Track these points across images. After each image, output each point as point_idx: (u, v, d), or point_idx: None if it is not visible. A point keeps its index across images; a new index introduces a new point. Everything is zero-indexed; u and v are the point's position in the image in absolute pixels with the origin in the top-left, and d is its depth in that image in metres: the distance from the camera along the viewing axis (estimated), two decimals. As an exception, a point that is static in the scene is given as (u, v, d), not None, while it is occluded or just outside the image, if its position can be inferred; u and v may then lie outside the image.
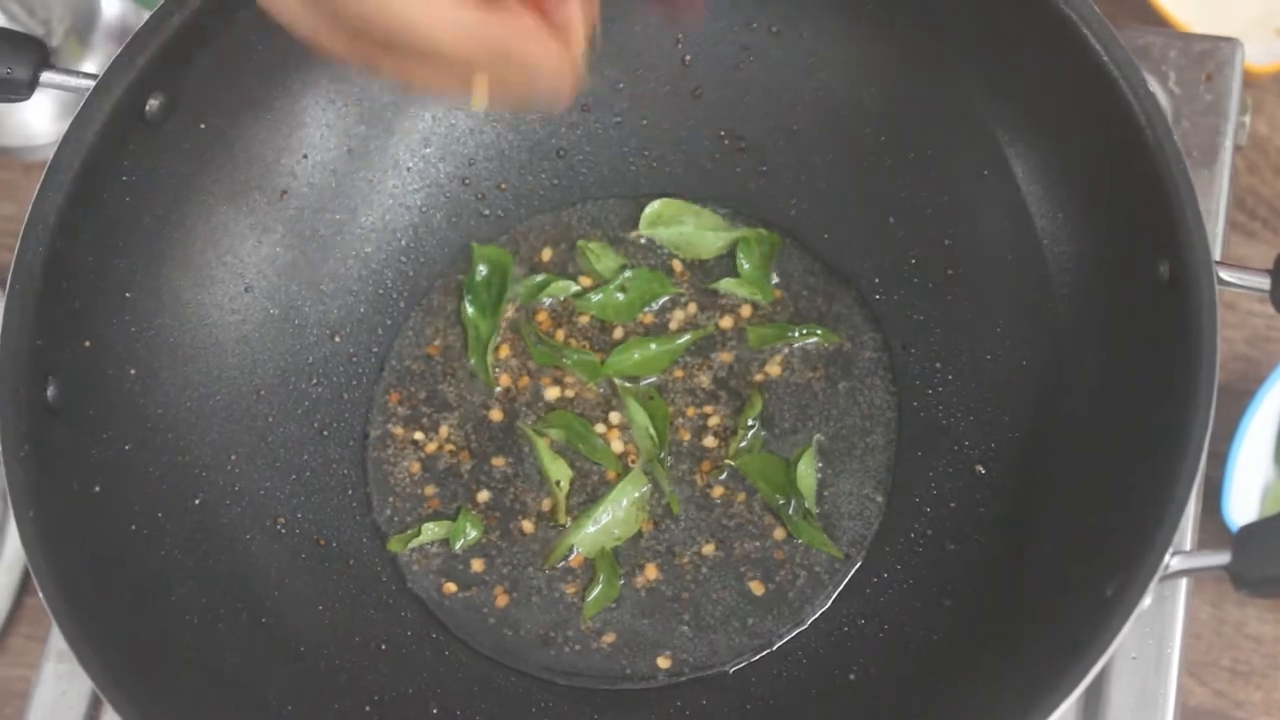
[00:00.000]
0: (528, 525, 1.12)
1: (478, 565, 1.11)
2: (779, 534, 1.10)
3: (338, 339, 1.15)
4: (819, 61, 1.15)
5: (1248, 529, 0.90)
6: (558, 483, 1.12)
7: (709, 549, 1.10)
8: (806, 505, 1.10)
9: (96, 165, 1.03)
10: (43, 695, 1.14)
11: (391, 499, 1.13)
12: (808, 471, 1.11)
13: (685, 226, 1.17)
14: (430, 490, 1.13)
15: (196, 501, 1.08)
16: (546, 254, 1.18)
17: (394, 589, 1.11)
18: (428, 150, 1.18)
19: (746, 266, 1.16)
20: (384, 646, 1.08)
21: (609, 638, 1.09)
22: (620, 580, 1.10)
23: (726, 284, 1.16)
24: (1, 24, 1.33)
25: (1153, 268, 0.97)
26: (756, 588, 1.09)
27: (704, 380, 1.14)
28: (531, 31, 0.77)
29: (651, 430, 1.12)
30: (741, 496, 1.11)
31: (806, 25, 1.14)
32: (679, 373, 1.14)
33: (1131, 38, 1.15)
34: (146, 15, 1.04)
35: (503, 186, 1.19)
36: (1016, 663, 0.97)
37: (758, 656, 1.08)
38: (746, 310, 1.15)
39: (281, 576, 1.09)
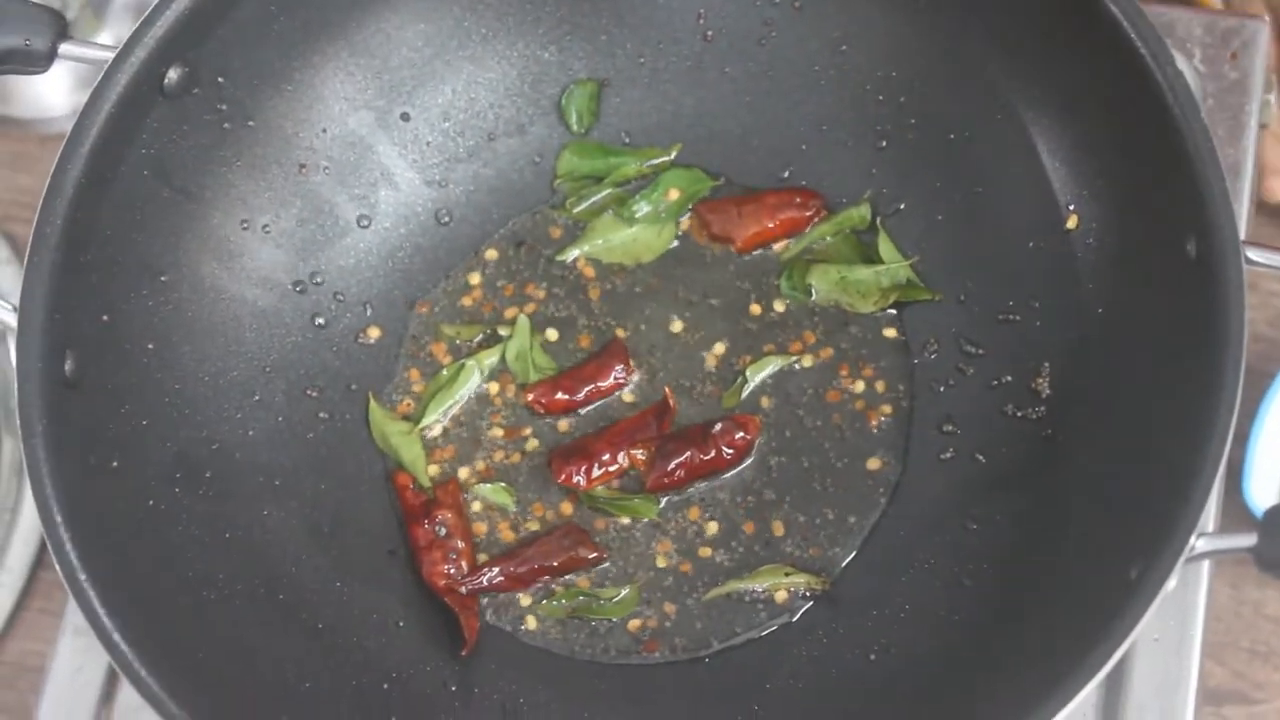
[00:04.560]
0: (548, 512, 1.12)
1: (506, 535, 1.12)
2: (778, 529, 1.10)
3: (356, 314, 1.15)
4: (842, 37, 1.15)
5: (1274, 511, 0.90)
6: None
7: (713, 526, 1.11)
8: (896, 265, 1.13)
9: (114, 138, 1.02)
10: (59, 670, 1.14)
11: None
12: (887, 243, 1.13)
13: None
14: (450, 453, 1.13)
15: (213, 476, 1.07)
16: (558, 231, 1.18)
17: (412, 566, 1.10)
18: (447, 124, 1.17)
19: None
20: (401, 624, 1.08)
21: (633, 620, 1.09)
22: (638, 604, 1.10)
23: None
24: (17, -5, 1.33)
25: (1180, 246, 0.97)
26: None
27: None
28: None
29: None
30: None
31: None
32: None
33: (1156, 15, 1.14)
34: (163, -12, 1.04)
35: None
36: (1038, 646, 0.96)
37: (775, 626, 1.08)
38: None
39: (299, 552, 1.08)
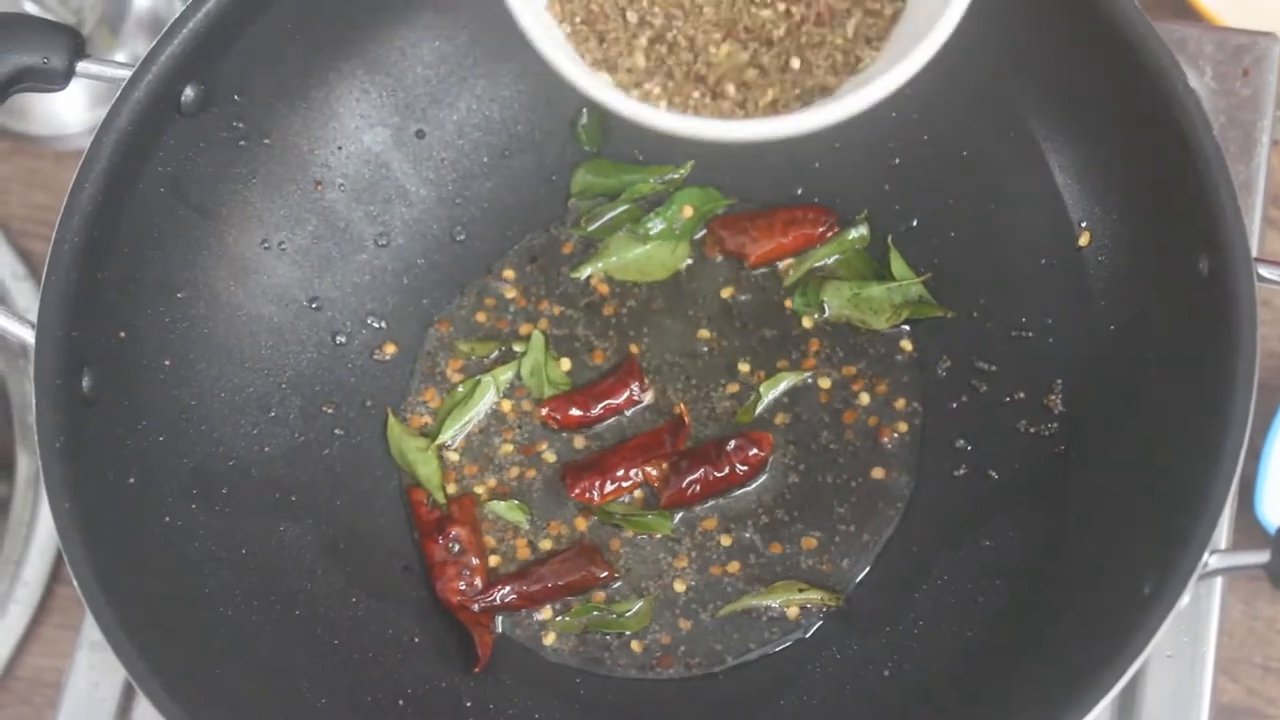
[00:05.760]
0: (562, 528, 1.12)
1: (522, 551, 1.12)
2: (791, 545, 1.11)
3: (372, 331, 1.15)
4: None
5: (1287, 529, 0.90)
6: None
7: (735, 567, 1.11)
8: (908, 282, 1.13)
9: (131, 155, 1.03)
10: (75, 686, 1.15)
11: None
12: (899, 259, 1.14)
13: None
14: (465, 469, 1.14)
15: (229, 492, 1.08)
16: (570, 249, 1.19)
17: (426, 582, 1.10)
18: (462, 142, 1.17)
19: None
20: (416, 639, 1.08)
21: (647, 636, 1.09)
22: (652, 618, 1.10)
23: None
24: (34, 13, 1.33)
25: (1192, 263, 0.97)
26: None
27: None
28: None
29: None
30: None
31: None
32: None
33: (1168, 32, 1.14)
34: (179, 5, 1.04)
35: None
36: (1052, 661, 0.96)
37: (788, 643, 1.08)
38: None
39: (314, 568, 1.09)
